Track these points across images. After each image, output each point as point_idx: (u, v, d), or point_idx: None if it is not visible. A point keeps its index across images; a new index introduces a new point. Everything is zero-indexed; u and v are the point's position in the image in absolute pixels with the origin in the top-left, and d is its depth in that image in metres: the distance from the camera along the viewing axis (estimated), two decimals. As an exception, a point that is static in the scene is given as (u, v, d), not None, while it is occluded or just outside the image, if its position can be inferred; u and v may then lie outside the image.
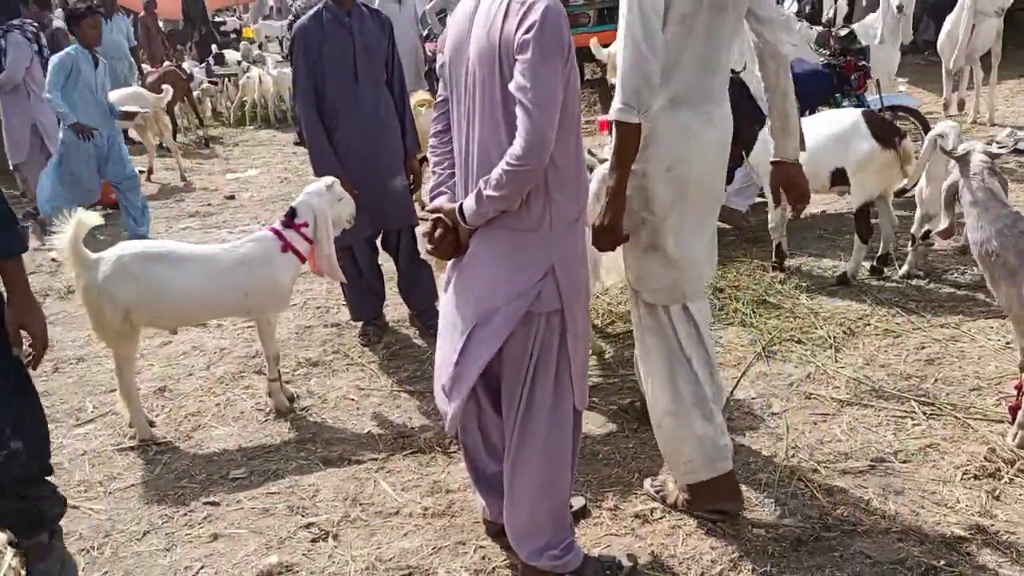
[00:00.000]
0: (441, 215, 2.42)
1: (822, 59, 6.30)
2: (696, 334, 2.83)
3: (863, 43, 6.50)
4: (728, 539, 2.83)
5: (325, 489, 3.34)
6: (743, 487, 3.09)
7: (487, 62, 2.26)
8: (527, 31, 2.15)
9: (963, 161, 3.06)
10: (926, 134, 6.36)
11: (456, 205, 2.39)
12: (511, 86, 2.21)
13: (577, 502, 3.01)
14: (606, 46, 8.33)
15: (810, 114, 6.47)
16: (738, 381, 3.89)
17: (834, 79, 6.17)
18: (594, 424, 3.67)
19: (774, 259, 5.13)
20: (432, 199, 2.54)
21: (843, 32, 6.08)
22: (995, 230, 2.95)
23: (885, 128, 4.64)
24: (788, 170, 2.88)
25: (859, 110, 4.88)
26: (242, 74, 13.50)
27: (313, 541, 3.01)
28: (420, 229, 2.51)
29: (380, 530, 3.05)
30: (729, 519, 2.89)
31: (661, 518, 2.98)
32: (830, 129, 4.76)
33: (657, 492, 3.08)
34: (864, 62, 6.23)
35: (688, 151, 2.67)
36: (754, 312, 4.57)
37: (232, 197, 8.60)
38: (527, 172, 2.23)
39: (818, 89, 6.19)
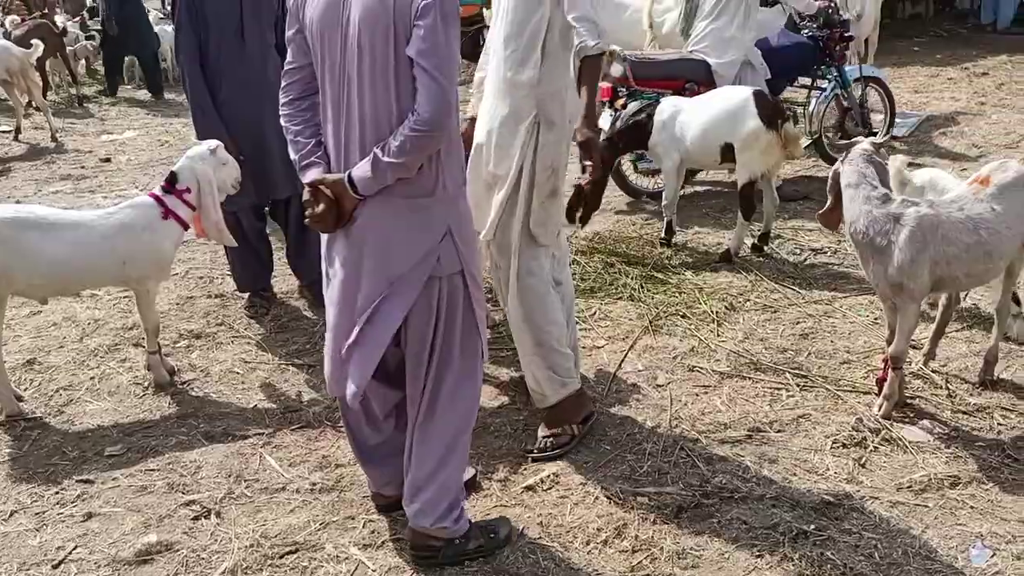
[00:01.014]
0: (322, 186, 2.36)
1: (807, 31, 6.40)
2: (562, 265, 3.33)
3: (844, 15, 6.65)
4: (614, 507, 2.91)
5: (207, 465, 3.25)
6: (629, 456, 3.19)
7: (378, 26, 2.21)
8: None
9: (847, 149, 3.21)
10: (891, 105, 6.65)
11: (341, 175, 2.34)
12: (411, 51, 2.19)
13: (467, 473, 3.03)
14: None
15: (790, 84, 6.72)
16: (625, 354, 3.99)
17: (817, 50, 6.31)
18: (485, 396, 3.68)
19: (663, 235, 5.25)
20: (303, 170, 2.44)
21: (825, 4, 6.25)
22: (864, 211, 3.10)
23: (771, 109, 4.81)
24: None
25: (750, 89, 5.02)
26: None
27: (194, 519, 2.93)
28: None
29: (266, 506, 2.99)
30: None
31: (549, 489, 3.03)
32: (722, 105, 4.92)
33: (547, 444, 3.24)
34: (849, 34, 6.36)
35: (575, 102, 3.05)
36: (642, 287, 4.67)
37: (108, 160, 8.18)
38: (433, 137, 2.24)
39: (802, 60, 6.36)
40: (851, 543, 2.69)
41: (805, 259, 5.03)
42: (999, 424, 3.28)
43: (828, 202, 3.40)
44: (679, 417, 3.45)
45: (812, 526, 2.77)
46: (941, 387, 3.55)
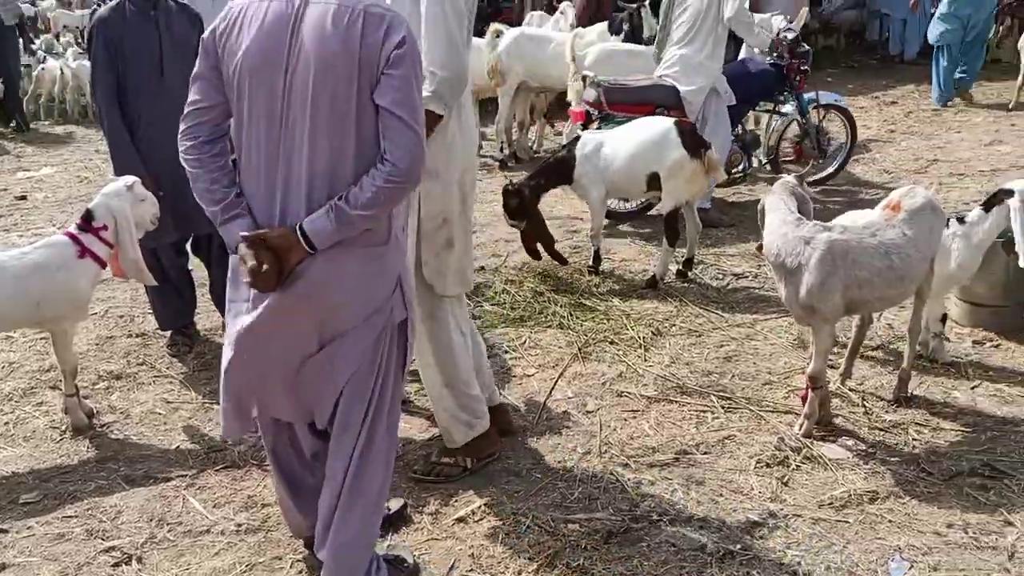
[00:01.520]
0: (264, 240, 2.20)
1: (769, 60, 6.62)
2: (466, 312, 3.33)
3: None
4: (545, 535, 2.92)
5: (128, 510, 3.15)
6: (560, 484, 3.21)
7: (340, 72, 2.13)
8: (398, 46, 2.12)
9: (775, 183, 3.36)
10: (853, 131, 6.97)
11: (285, 229, 2.20)
12: (383, 100, 2.14)
13: (395, 503, 3.01)
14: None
15: (752, 109, 7.00)
16: (555, 382, 4.01)
17: (779, 77, 6.55)
18: (416, 428, 3.67)
19: (591, 263, 5.33)
20: (227, 222, 2.28)
21: (790, 36, 6.45)
22: (780, 234, 3.21)
23: (693, 138, 4.96)
24: None
25: (671, 120, 5.15)
26: (36, 66, 12.43)
27: (114, 566, 2.84)
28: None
29: (189, 550, 2.91)
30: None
31: (480, 520, 3.02)
32: (646, 135, 5.04)
33: (434, 470, 3.29)
34: (805, 65, 6.59)
35: (473, 158, 3.13)
36: (571, 315, 4.73)
37: (24, 198, 7.92)
38: (406, 188, 2.21)
39: (764, 86, 6.61)
40: (776, 561, 2.75)
41: (728, 284, 5.15)
42: (913, 439, 3.40)
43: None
44: (608, 443, 3.48)
45: (738, 546, 2.82)
46: (858, 405, 3.67)
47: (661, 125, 5.04)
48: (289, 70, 2.17)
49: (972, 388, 3.75)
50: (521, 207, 5.21)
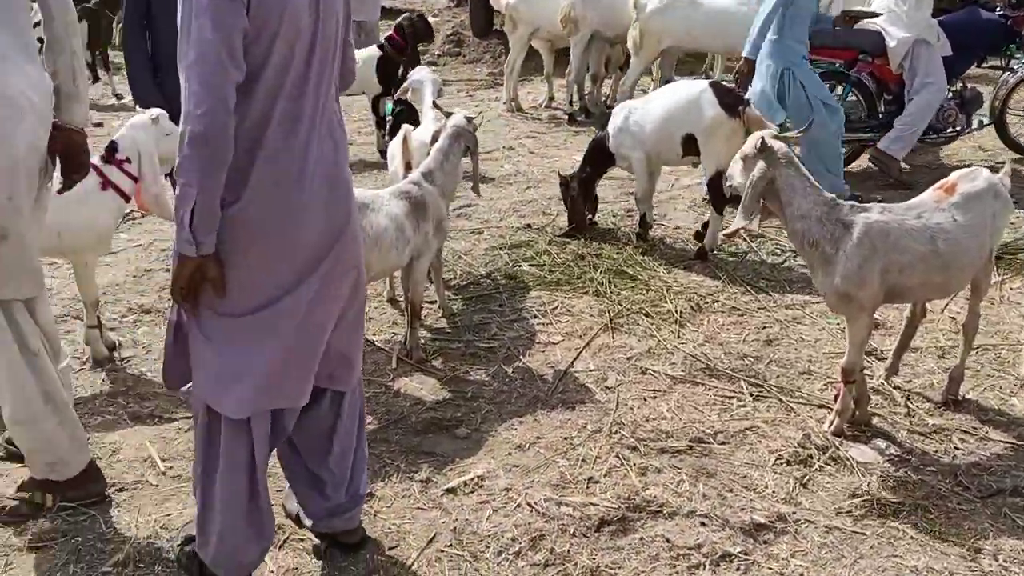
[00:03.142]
0: None
1: (999, 9, 6.24)
2: (33, 325, 2.57)
3: None
4: (535, 516, 2.77)
5: (126, 448, 3.14)
6: (562, 462, 3.05)
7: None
8: None
9: (767, 151, 2.94)
10: None
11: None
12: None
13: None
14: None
15: (977, 65, 6.60)
16: (579, 353, 3.83)
17: (1006, 30, 6.15)
18: (428, 390, 3.56)
19: (639, 229, 5.08)
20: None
21: None
22: (814, 219, 2.91)
23: (730, 95, 4.65)
24: (72, 136, 2.65)
25: (706, 81, 4.87)
26: None
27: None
28: None
29: (174, 496, 2.88)
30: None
31: (471, 493, 2.89)
32: (678, 96, 4.77)
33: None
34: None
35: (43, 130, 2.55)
36: (609, 282, 4.51)
37: (100, 125, 8.06)
38: None
39: (989, 38, 6.21)
40: (775, 570, 2.53)
41: (784, 261, 4.83)
42: (955, 448, 3.10)
43: (742, 217, 2.96)
44: (621, 423, 3.29)
45: (738, 548, 2.61)
46: (900, 404, 3.37)
47: (696, 86, 4.77)
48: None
49: (1034, 396, 3.40)
50: (576, 196, 5.13)
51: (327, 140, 2.21)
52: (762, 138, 2.95)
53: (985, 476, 2.94)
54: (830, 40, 5.89)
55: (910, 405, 3.37)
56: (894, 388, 3.48)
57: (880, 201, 3.73)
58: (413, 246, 3.60)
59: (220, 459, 2.22)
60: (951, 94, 6.06)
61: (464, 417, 3.34)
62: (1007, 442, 3.13)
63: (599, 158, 5.08)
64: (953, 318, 4.01)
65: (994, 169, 3.26)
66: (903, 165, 5.99)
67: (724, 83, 4.98)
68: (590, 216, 5.26)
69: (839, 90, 6.08)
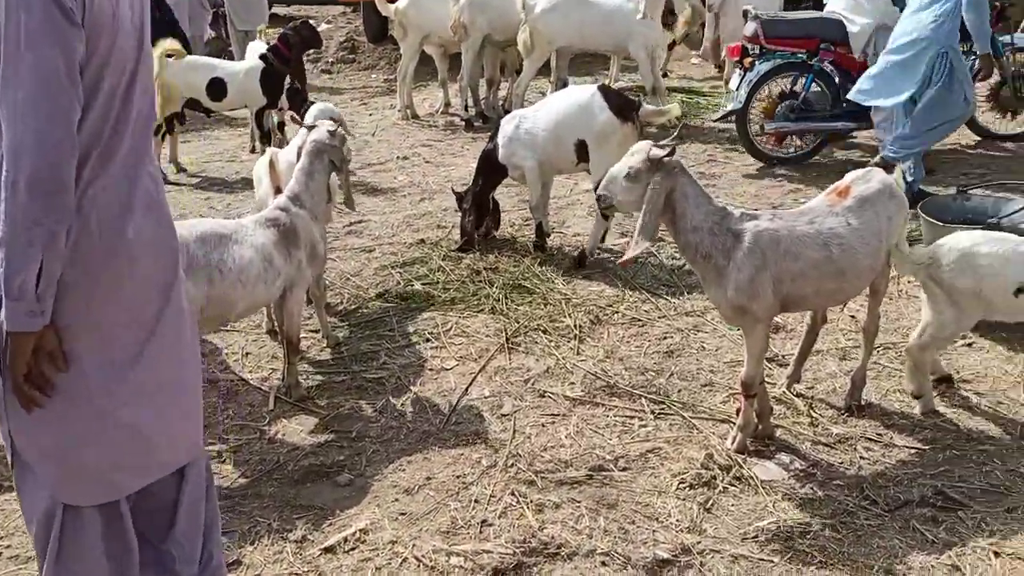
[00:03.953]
0: None
1: None
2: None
3: None
4: (423, 570, 2.54)
5: (-40, 527, 2.77)
6: (453, 505, 2.82)
7: None
8: None
9: (664, 165, 2.73)
10: None
11: None
12: None
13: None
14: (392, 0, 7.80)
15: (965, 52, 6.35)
16: (474, 378, 3.61)
17: None
18: (308, 432, 3.28)
19: (536, 239, 4.89)
20: None
21: None
22: (705, 230, 2.75)
23: (621, 100, 4.50)
24: None
25: (594, 85, 4.69)
26: None
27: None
28: None
29: (11, 581, 2.54)
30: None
31: (352, 550, 2.64)
32: (569, 102, 4.60)
33: None
34: (998, 1, 6.05)
35: None
36: (506, 298, 4.30)
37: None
38: None
39: None
40: (680, 612, 2.36)
41: (684, 264, 4.69)
42: (861, 458, 2.99)
43: (641, 241, 2.76)
44: (518, 454, 3.08)
45: (640, 589, 2.43)
46: (804, 414, 3.25)
47: (585, 91, 4.59)
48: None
49: (936, 396, 3.32)
50: (468, 209, 4.93)
51: (146, 177, 1.92)
52: (650, 152, 2.75)
53: (892, 487, 2.83)
54: (787, 30, 5.84)
55: (813, 413, 3.25)
56: (796, 396, 3.36)
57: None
58: (285, 277, 3.31)
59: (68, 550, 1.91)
60: None
61: (347, 461, 3.08)
62: (911, 447, 3.04)
63: (490, 170, 4.87)
64: (853, 316, 3.93)
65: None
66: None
67: (612, 87, 4.84)
68: (494, 228, 5.05)
69: (802, 81, 6.05)
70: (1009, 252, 3.04)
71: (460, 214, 4.99)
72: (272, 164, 3.78)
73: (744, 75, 6.01)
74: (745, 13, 6.10)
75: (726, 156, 6.49)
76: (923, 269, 3.08)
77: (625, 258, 2.86)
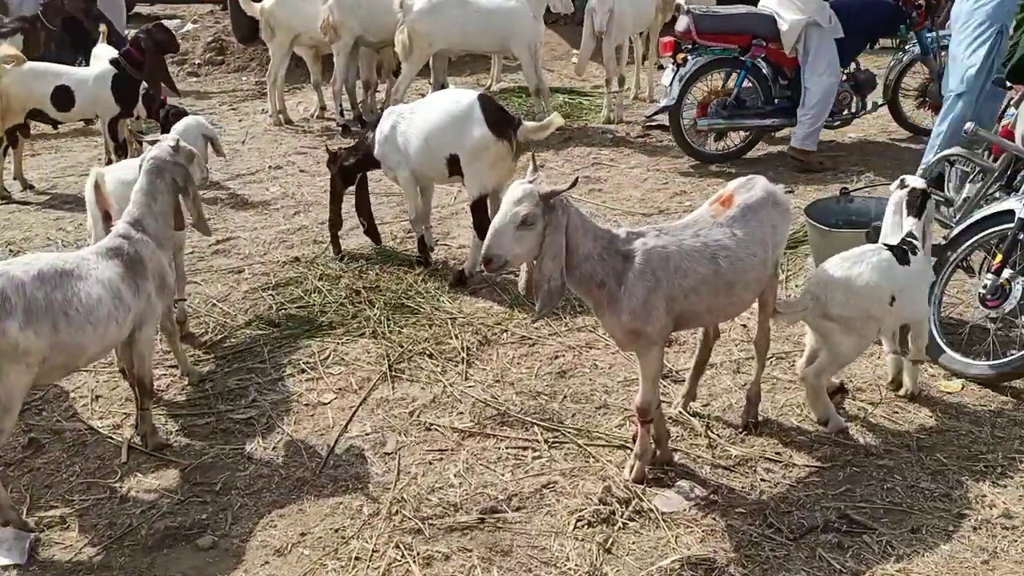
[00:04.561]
0: None
1: None
2: None
3: None
4: (298, 647, 2.25)
5: None
6: (332, 564, 2.55)
7: None
8: None
9: (555, 207, 2.49)
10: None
11: None
12: None
13: None
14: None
15: (870, 46, 6.36)
16: (354, 412, 3.33)
17: (898, 12, 5.96)
18: (166, 487, 2.93)
19: (418, 254, 4.62)
20: None
21: None
22: (596, 257, 2.55)
23: (499, 115, 4.21)
24: None
25: (475, 93, 4.37)
26: None
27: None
28: None
29: None
30: None
31: (215, 628, 2.33)
32: (444, 111, 4.25)
33: None
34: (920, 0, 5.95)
35: None
36: (389, 319, 4.03)
37: None
38: None
39: (879, 19, 6.03)
40: (582, 675, 2.16)
41: (573, 275, 4.54)
42: (762, 480, 2.88)
43: (553, 292, 2.53)
44: (403, 499, 2.83)
45: (540, 651, 2.23)
46: (701, 435, 3.12)
47: (464, 100, 4.24)
48: None
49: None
50: (343, 172, 4.61)
51: None
52: (541, 192, 2.51)
53: (795, 512, 2.72)
54: (719, 25, 5.76)
55: (711, 434, 3.12)
56: (693, 415, 3.23)
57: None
58: (135, 314, 2.94)
59: None
60: (845, 77, 6.02)
61: (210, 520, 2.76)
62: (811, 466, 2.95)
63: (364, 160, 4.56)
64: (744, 325, 3.84)
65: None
66: (821, 160, 5.93)
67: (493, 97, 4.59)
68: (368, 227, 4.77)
69: (734, 77, 5.97)
70: (873, 264, 3.02)
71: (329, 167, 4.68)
72: (98, 186, 3.36)
73: (677, 71, 5.89)
74: (678, 7, 6.04)
75: (611, 159, 6.38)
76: (809, 314, 3.01)
77: (534, 319, 2.64)
